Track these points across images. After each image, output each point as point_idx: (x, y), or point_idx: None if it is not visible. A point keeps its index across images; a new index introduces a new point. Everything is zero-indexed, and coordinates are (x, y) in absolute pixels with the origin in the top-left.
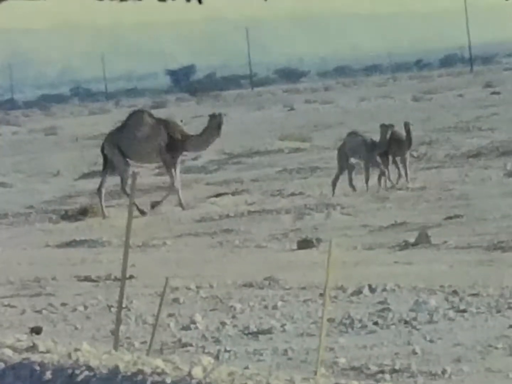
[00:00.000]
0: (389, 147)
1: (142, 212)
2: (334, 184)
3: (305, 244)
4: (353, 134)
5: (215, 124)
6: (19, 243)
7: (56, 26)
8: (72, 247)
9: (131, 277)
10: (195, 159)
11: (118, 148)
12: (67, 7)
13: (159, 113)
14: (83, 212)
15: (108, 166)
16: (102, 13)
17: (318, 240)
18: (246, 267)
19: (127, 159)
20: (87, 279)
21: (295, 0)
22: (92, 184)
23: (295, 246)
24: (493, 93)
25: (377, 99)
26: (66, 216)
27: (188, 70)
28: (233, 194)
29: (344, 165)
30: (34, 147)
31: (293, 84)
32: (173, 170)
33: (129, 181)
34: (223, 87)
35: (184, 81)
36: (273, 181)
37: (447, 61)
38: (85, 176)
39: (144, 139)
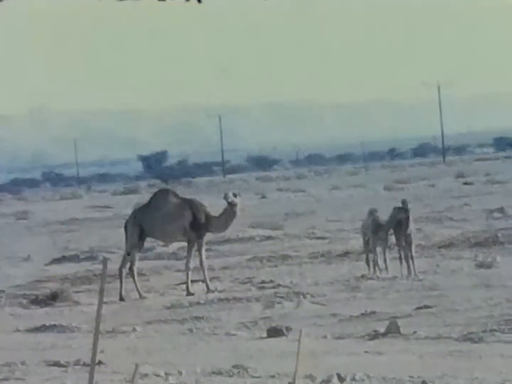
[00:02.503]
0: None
1: (122, 299)
2: (367, 263)
3: (274, 332)
4: (370, 212)
5: (231, 205)
6: None
7: (30, 112)
8: (42, 332)
9: (100, 363)
10: (165, 245)
11: (140, 227)
12: (41, 93)
13: (130, 199)
14: (53, 297)
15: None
16: (76, 99)
17: (288, 329)
18: (215, 354)
19: (145, 239)
20: (56, 364)
21: (268, 89)
22: (63, 269)
23: (264, 334)
24: (465, 183)
25: (349, 188)
26: (36, 301)
27: (160, 156)
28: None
29: (364, 243)
30: (4, 231)
31: (266, 171)
32: (194, 250)
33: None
34: (195, 174)
35: (156, 167)
36: (244, 268)
37: (420, 151)
38: (56, 261)
39: (169, 218)
